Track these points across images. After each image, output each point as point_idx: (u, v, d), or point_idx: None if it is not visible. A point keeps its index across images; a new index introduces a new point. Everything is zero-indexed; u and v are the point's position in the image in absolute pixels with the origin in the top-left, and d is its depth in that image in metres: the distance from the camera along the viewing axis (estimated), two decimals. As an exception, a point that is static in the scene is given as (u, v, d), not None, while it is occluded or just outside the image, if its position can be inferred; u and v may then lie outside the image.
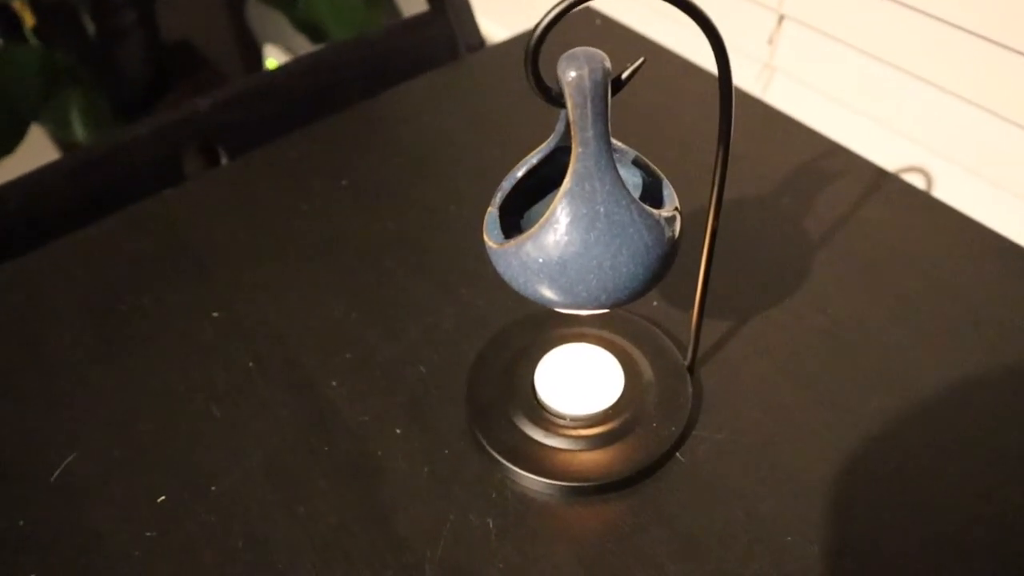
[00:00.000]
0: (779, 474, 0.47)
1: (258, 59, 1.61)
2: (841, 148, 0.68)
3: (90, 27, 1.46)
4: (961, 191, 0.71)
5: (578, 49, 0.35)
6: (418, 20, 0.80)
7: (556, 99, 0.35)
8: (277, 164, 0.69)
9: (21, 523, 0.47)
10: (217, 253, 0.61)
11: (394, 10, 1.23)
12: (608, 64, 0.35)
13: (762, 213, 0.63)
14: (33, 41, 1.39)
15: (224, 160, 0.74)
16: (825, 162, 0.67)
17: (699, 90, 0.75)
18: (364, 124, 0.73)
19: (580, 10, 0.77)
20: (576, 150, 0.36)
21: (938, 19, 0.66)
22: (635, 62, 0.37)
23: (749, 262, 0.59)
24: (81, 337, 0.56)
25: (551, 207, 0.37)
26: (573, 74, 0.34)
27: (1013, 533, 0.44)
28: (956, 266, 0.58)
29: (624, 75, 0.36)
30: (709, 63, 0.78)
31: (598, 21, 0.84)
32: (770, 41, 0.81)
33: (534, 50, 0.33)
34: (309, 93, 0.78)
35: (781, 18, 0.79)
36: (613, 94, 0.35)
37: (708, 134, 0.70)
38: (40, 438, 0.51)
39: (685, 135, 0.69)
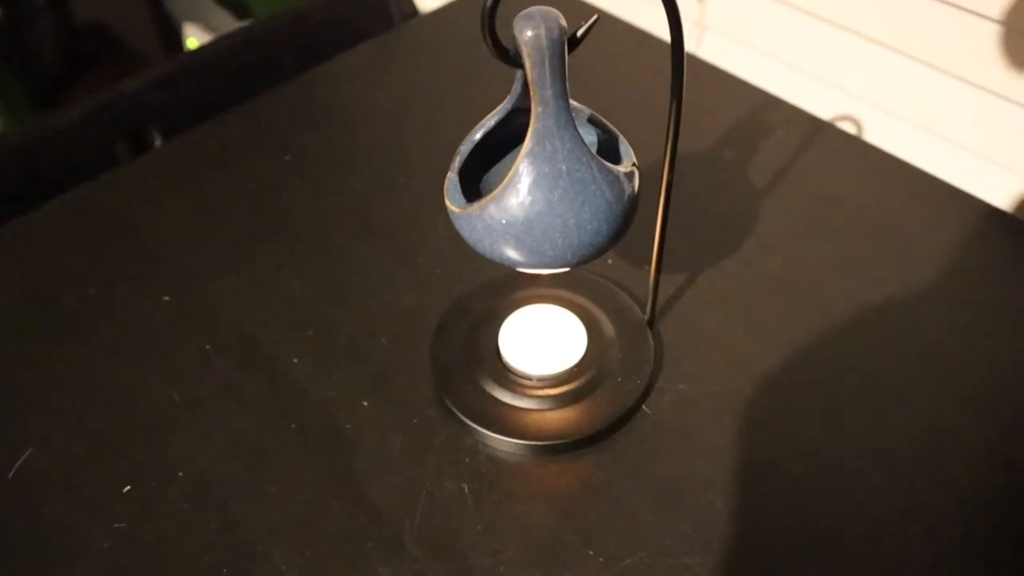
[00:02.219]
0: (741, 418, 0.48)
1: (177, 39, 1.56)
2: (777, 100, 0.69)
3: (-3, 12, 1.39)
4: (890, 135, 0.73)
5: (533, 8, 0.35)
6: (350, -10, 0.79)
7: (514, 59, 0.35)
8: (216, 143, 0.67)
9: (-19, 523, 0.46)
10: (162, 237, 0.60)
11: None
12: (564, 22, 0.35)
13: (707, 167, 0.64)
14: (-63, 29, 1.32)
15: (158, 142, 0.72)
16: (763, 114, 0.68)
17: (635, 50, 0.75)
18: (302, 98, 0.72)
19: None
20: (536, 109, 0.36)
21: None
22: (588, 20, 0.37)
23: (697, 215, 0.60)
24: (26, 330, 0.54)
25: (513, 167, 0.37)
26: (530, 33, 0.34)
27: (942, 440, 0.47)
28: (890, 205, 0.60)
29: (579, 32, 0.36)
30: (640, 22, 0.78)
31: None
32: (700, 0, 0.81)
33: (490, 11, 0.33)
34: (241, 70, 0.76)
35: (711, -25, 0.80)
36: (569, 52, 0.36)
37: (647, 92, 0.71)
38: (-8, 436, 0.49)
39: (625, 94, 0.70)
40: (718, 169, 0.64)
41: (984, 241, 0.58)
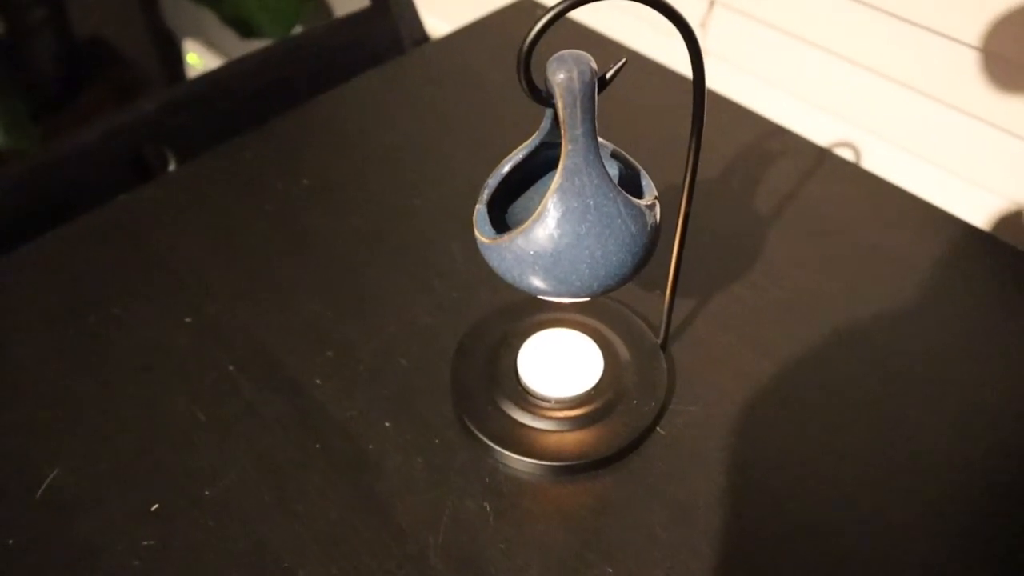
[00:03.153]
0: (751, 439, 0.50)
1: (177, 55, 1.57)
2: (780, 128, 0.72)
3: (-2, 27, 1.40)
4: (888, 163, 0.75)
5: (566, 52, 0.37)
6: (362, 15, 0.80)
7: (546, 100, 0.37)
8: (233, 165, 0.69)
9: (10, 542, 0.47)
10: (182, 258, 0.61)
11: (325, 4, 1.22)
12: (594, 65, 0.37)
13: (713, 193, 0.66)
14: (-61, 44, 1.33)
15: (172, 163, 0.73)
16: (767, 143, 0.70)
17: (649, 82, 0.77)
18: (316, 122, 0.73)
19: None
20: (566, 147, 0.38)
21: (859, 1, 0.70)
22: (617, 62, 0.39)
23: (707, 242, 0.62)
24: (51, 351, 0.55)
25: (543, 202, 0.38)
26: (563, 76, 0.36)
27: (966, 476, 0.48)
28: (889, 232, 0.63)
29: (608, 74, 0.38)
30: (654, 53, 0.80)
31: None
32: (702, 25, 0.84)
33: (526, 55, 0.35)
34: (255, 93, 0.77)
35: (712, 3, 0.82)
36: (598, 92, 0.37)
37: (658, 123, 0.73)
38: (19, 456, 0.50)
39: (639, 127, 0.72)
40: (724, 196, 0.66)
41: (974, 263, 0.60)
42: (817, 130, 0.78)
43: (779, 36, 0.77)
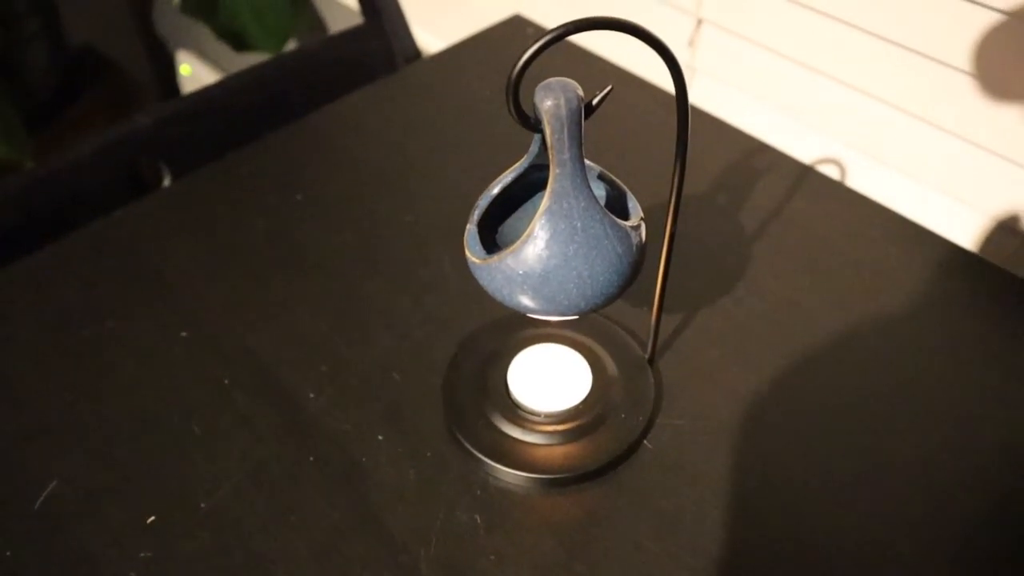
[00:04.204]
0: (736, 451, 0.51)
1: (170, 65, 1.58)
2: (765, 146, 0.73)
3: (-8, 37, 1.40)
4: (867, 179, 0.77)
5: (553, 80, 0.38)
6: (355, 32, 0.82)
7: (534, 126, 0.38)
8: (226, 181, 0.70)
9: (8, 553, 0.47)
10: (177, 272, 0.62)
11: (318, 18, 1.23)
12: (581, 92, 0.38)
13: (700, 210, 0.67)
14: (-66, 54, 1.34)
15: (167, 179, 0.74)
16: (752, 160, 0.72)
17: (633, 98, 0.79)
18: (311, 137, 0.74)
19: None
20: (554, 171, 0.39)
21: (842, 21, 0.72)
22: (604, 89, 0.40)
23: (693, 257, 0.63)
24: (47, 364, 0.56)
25: (532, 224, 0.40)
26: (550, 103, 0.37)
27: (951, 486, 0.50)
28: (873, 250, 0.64)
29: (595, 101, 0.39)
30: (643, 71, 0.82)
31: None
32: (690, 43, 0.85)
33: (515, 84, 0.36)
34: (247, 109, 0.78)
35: (700, 22, 0.83)
36: (585, 118, 0.39)
37: (648, 138, 0.74)
38: (16, 468, 0.51)
39: (624, 142, 0.73)
40: (711, 212, 0.67)
41: (955, 279, 0.62)
42: (802, 147, 0.79)
43: (766, 54, 0.79)
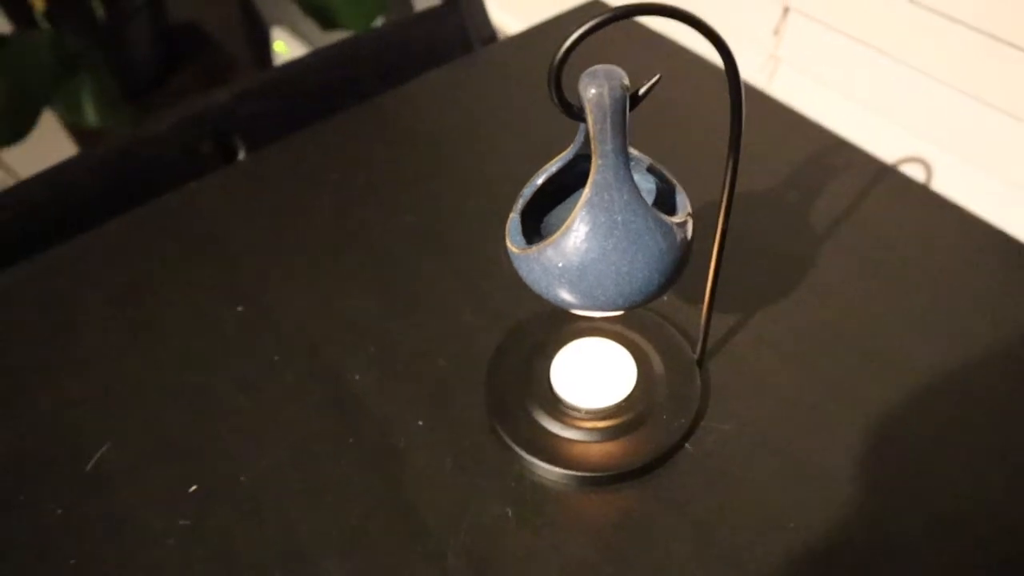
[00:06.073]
0: (783, 462, 0.49)
1: (265, 41, 1.62)
2: (844, 143, 0.70)
3: (99, 11, 1.46)
4: (959, 181, 0.72)
5: (598, 67, 0.36)
6: (431, 13, 0.81)
7: (577, 114, 0.37)
8: (296, 158, 0.70)
9: (59, 512, 0.49)
10: (240, 246, 0.63)
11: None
12: (626, 81, 0.36)
13: (767, 207, 0.64)
14: (44, 26, 1.40)
15: (242, 153, 0.76)
16: (828, 157, 0.68)
17: (707, 84, 0.76)
18: (380, 118, 0.74)
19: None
20: (596, 162, 0.38)
21: (938, 12, 0.67)
22: (652, 78, 0.38)
23: (755, 256, 0.60)
24: (110, 331, 0.58)
25: (571, 215, 0.39)
26: (593, 91, 0.36)
27: (1006, 515, 0.46)
28: (951, 258, 0.60)
29: (641, 91, 0.38)
30: (714, 55, 0.79)
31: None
32: (776, 32, 0.82)
33: (557, 69, 0.35)
34: (323, 86, 0.79)
35: (786, 10, 0.80)
36: (630, 109, 0.37)
37: (717, 126, 0.72)
38: (75, 429, 0.53)
39: (695, 129, 0.71)
40: (779, 210, 0.64)
41: (1048, 298, 0.58)
42: (885, 146, 0.75)
43: (855, 46, 0.75)
